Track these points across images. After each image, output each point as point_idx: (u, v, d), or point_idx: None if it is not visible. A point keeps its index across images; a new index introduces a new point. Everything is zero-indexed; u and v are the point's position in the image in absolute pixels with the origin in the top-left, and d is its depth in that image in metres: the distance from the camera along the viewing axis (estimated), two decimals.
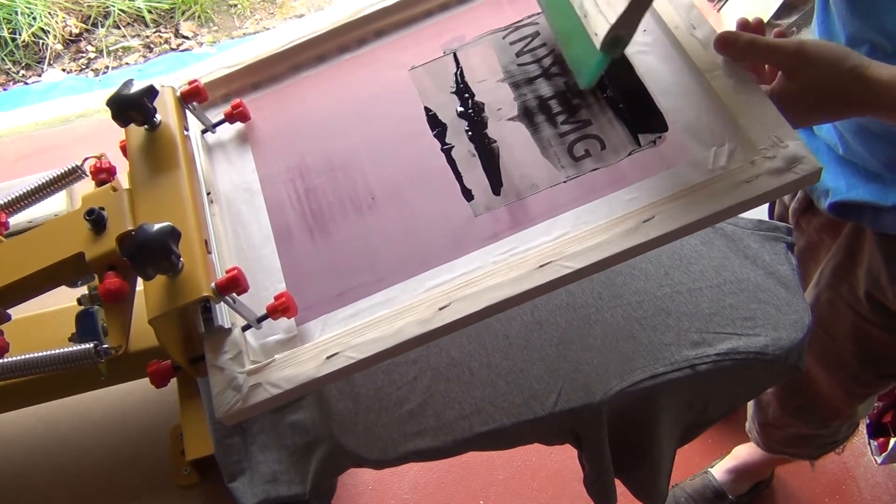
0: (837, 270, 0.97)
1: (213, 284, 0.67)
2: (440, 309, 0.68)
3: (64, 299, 0.89)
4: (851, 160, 0.92)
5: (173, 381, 0.88)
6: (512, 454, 1.57)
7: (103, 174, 0.80)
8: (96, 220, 0.74)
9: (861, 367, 1.05)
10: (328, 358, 0.68)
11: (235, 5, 2.43)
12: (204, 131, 0.85)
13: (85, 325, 0.83)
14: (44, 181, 0.82)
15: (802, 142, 0.67)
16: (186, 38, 2.30)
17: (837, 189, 0.93)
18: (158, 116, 0.78)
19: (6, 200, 0.82)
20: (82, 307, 0.84)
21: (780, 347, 0.83)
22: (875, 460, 1.60)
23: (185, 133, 0.80)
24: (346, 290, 0.73)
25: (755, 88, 0.71)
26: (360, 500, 1.54)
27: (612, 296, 0.91)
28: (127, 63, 2.26)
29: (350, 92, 0.85)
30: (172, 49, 2.29)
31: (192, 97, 0.82)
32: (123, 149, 0.82)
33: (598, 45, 0.68)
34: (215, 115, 0.86)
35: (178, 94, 0.81)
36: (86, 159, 0.83)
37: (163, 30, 2.34)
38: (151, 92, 0.75)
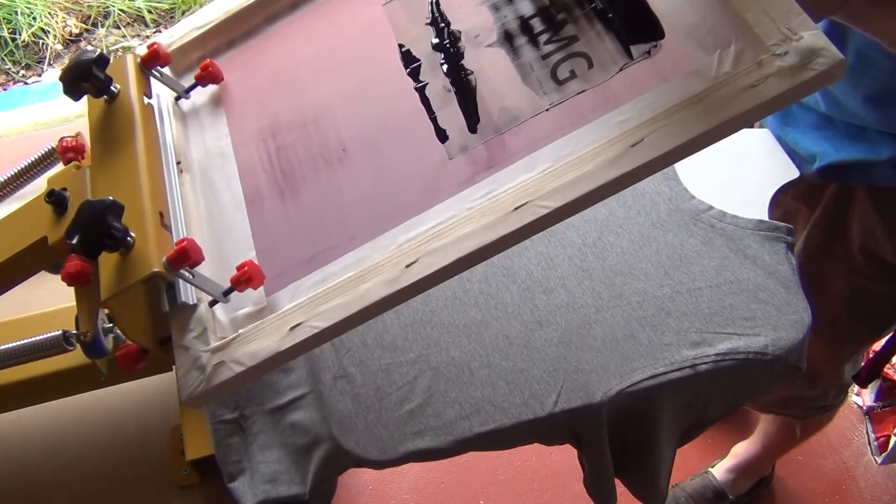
0: (828, 232, 1.00)
1: (164, 259, 0.62)
2: (407, 266, 0.61)
3: (64, 299, 0.87)
4: (833, 117, 0.93)
5: (173, 380, 0.86)
6: (512, 454, 1.56)
7: (70, 153, 0.76)
8: (57, 201, 0.70)
9: (853, 325, 1.08)
10: (291, 329, 0.62)
11: None
12: (178, 98, 0.80)
13: None
14: (19, 168, 0.80)
15: (820, 31, 0.55)
16: None
17: (824, 153, 0.94)
18: (117, 86, 0.73)
19: None
20: None
21: (780, 347, 0.82)
22: (875, 460, 1.62)
23: (148, 101, 0.75)
24: (315, 254, 0.67)
25: None
26: (360, 500, 1.54)
27: (612, 296, 0.88)
28: None
29: (324, 36, 0.78)
30: None
31: (153, 61, 0.76)
32: None
33: None
34: (191, 80, 0.81)
35: (139, 60, 0.76)
36: (62, 139, 0.80)
37: (163, 30, 2.33)
38: (102, 60, 0.70)
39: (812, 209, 1.02)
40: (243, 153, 0.75)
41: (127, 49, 2.31)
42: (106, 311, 0.76)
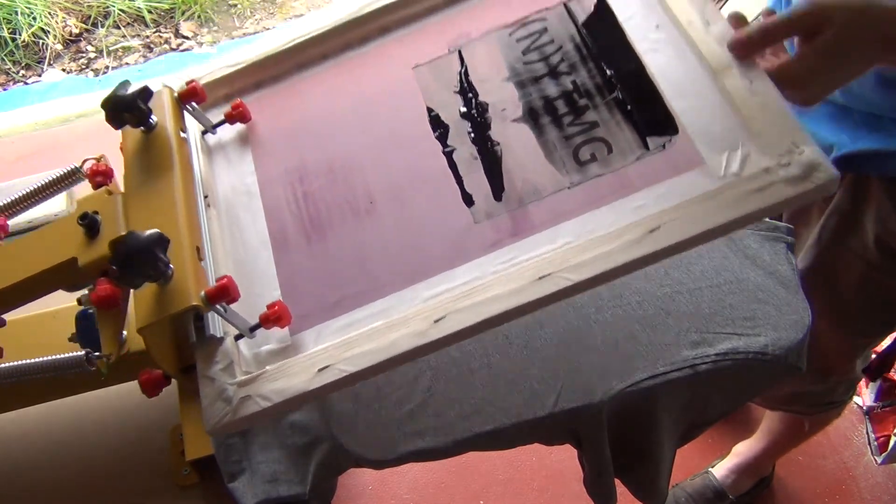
0: (843, 222, 0.98)
1: (202, 293, 0.65)
2: (436, 321, 0.65)
3: (65, 299, 0.88)
4: (849, 107, 0.92)
5: (173, 380, 0.88)
6: (512, 454, 1.56)
7: (100, 177, 0.79)
8: (90, 224, 0.72)
9: (867, 317, 1.06)
10: (320, 370, 0.66)
11: (235, 5, 2.43)
12: (204, 132, 0.84)
13: (84, 326, 0.82)
14: (42, 184, 0.81)
15: (818, 147, 0.64)
16: (186, 38, 2.31)
17: (841, 143, 0.93)
18: (154, 118, 0.76)
19: (4, 203, 0.81)
20: (82, 307, 0.83)
21: (780, 347, 0.83)
22: (875, 460, 1.60)
23: (183, 135, 0.78)
24: (341, 299, 0.71)
25: (771, 89, 0.67)
26: (360, 500, 1.54)
27: (612, 296, 0.90)
28: (127, 63, 2.27)
29: (353, 91, 0.83)
30: (172, 49, 2.30)
31: (190, 97, 0.80)
32: (122, 150, 0.80)
33: None
34: (217, 115, 0.84)
35: (176, 94, 0.79)
36: (85, 161, 0.82)
37: (163, 30, 2.34)
38: (146, 93, 0.74)
39: (827, 200, 1.00)
40: (269, 193, 0.79)
41: (127, 49, 2.30)
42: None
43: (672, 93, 0.72)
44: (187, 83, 0.80)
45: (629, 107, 0.73)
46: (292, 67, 0.86)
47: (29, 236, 0.76)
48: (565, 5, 0.81)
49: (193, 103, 0.81)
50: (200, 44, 2.27)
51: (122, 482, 0.90)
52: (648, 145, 0.71)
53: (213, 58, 0.88)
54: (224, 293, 0.66)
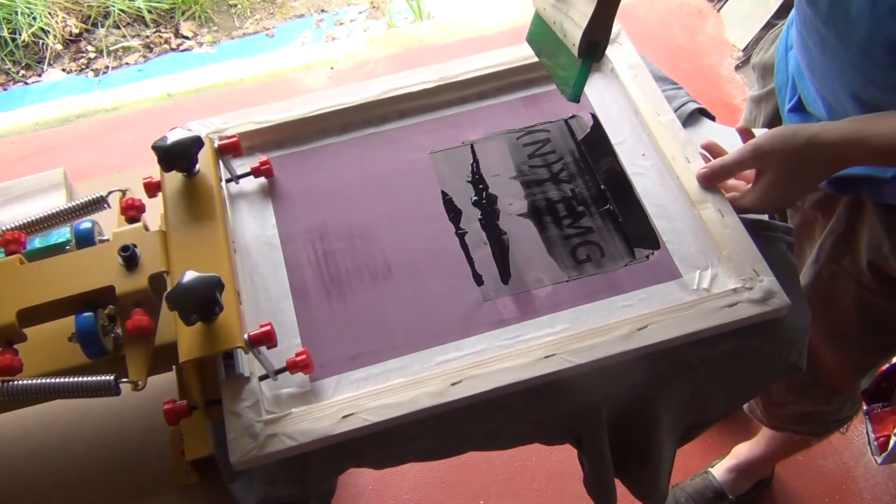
0: (838, 243, 0.98)
1: (245, 336, 0.72)
2: (452, 384, 0.75)
3: None
4: None
5: (173, 380, 0.91)
6: (512, 454, 1.57)
7: (132, 211, 0.83)
8: (130, 257, 0.77)
9: (866, 339, 1.06)
10: (344, 417, 0.74)
11: (235, 5, 2.44)
12: (228, 181, 0.90)
13: (84, 326, 0.83)
14: (66, 208, 0.85)
15: (774, 279, 0.79)
16: (186, 38, 2.30)
17: None
18: (198, 165, 0.82)
19: (25, 222, 0.84)
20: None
21: (780, 347, 0.83)
22: (875, 460, 1.58)
23: (221, 184, 0.84)
24: (359, 354, 0.79)
25: (738, 224, 0.83)
26: (360, 500, 1.53)
27: None
28: (127, 63, 2.24)
29: (372, 165, 0.92)
30: (172, 49, 2.29)
31: (229, 151, 0.86)
32: (147, 186, 0.85)
33: (576, 53, 0.77)
34: (238, 165, 0.91)
35: (216, 146, 0.86)
36: (110, 192, 0.86)
37: (163, 30, 2.33)
38: (199, 143, 0.80)
39: (827, 219, 0.99)
40: (290, 248, 0.86)
41: (127, 49, 2.26)
42: (106, 311, 0.82)
43: (656, 213, 0.86)
44: (229, 138, 0.87)
45: (620, 220, 0.86)
46: (314, 134, 0.95)
47: (59, 259, 0.79)
48: (566, 121, 0.94)
49: (227, 155, 0.88)
50: (200, 44, 2.26)
51: (122, 482, 0.90)
52: (635, 255, 0.84)
53: (241, 111, 0.94)
54: (266, 338, 0.72)
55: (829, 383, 1.13)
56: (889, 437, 1.53)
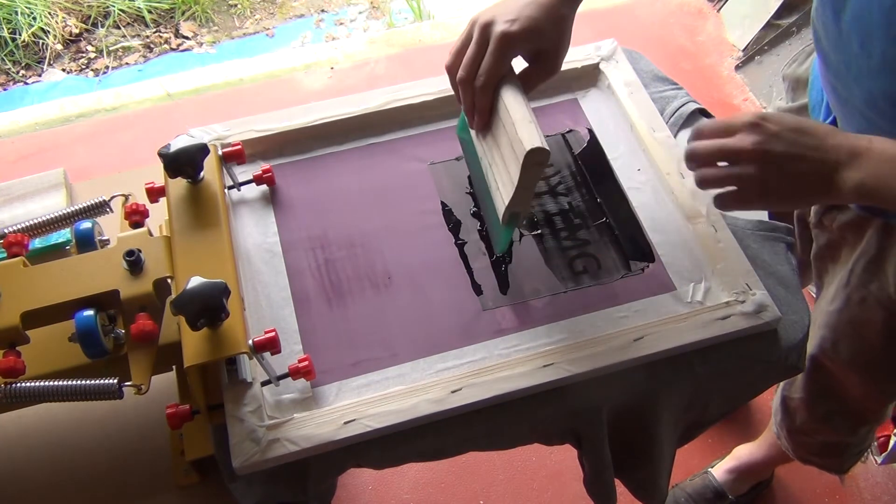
0: (868, 268, 0.95)
1: (250, 341, 0.73)
2: (453, 392, 0.76)
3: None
4: None
5: (173, 380, 0.91)
6: (512, 454, 1.57)
7: (136, 216, 0.84)
8: (135, 262, 0.78)
9: (892, 364, 1.01)
10: (346, 423, 0.75)
11: (235, 5, 2.45)
12: (230, 188, 0.91)
13: (84, 326, 0.83)
14: (69, 211, 0.85)
15: (766, 293, 0.81)
16: (186, 38, 2.30)
17: None
18: (202, 172, 0.83)
19: (27, 225, 0.84)
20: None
21: (780, 348, 0.83)
22: (875, 460, 1.60)
23: (224, 190, 0.85)
24: (360, 361, 0.80)
25: (731, 238, 0.85)
26: (360, 500, 1.52)
27: None
28: (127, 63, 2.23)
29: (373, 175, 0.93)
30: (172, 49, 2.28)
31: (233, 158, 0.88)
32: (149, 191, 0.86)
33: (500, 219, 0.79)
34: (240, 172, 0.92)
35: (220, 153, 0.87)
36: (113, 197, 0.87)
37: (163, 30, 2.33)
38: (204, 150, 0.81)
39: (857, 241, 0.96)
40: (291, 256, 0.87)
41: (127, 49, 2.26)
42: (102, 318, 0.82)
43: (651, 227, 0.88)
44: (232, 145, 0.88)
45: (616, 233, 0.88)
46: (316, 143, 0.96)
47: (63, 262, 0.80)
48: (563, 135, 0.96)
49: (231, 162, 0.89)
50: (200, 44, 2.26)
51: (122, 482, 0.90)
52: (630, 267, 0.86)
53: (242, 119, 0.95)
54: (271, 344, 0.73)
55: (856, 413, 1.12)
56: (889, 437, 1.54)
